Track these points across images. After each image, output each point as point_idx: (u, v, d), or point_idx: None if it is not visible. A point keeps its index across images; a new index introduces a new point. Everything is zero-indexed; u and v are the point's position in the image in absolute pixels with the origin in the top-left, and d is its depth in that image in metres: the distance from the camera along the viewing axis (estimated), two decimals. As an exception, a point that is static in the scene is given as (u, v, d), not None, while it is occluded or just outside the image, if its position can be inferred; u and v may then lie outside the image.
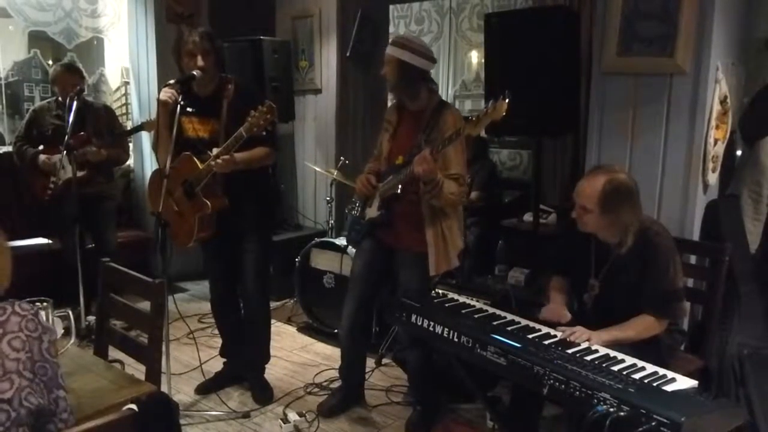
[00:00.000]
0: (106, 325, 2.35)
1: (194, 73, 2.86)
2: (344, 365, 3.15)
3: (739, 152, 3.42)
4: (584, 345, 2.13)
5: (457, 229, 2.84)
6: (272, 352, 3.40)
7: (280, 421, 2.97)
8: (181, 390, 3.27)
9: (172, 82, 2.88)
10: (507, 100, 2.29)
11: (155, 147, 3.04)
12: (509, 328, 2.24)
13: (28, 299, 1.53)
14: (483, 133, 3.79)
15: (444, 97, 6.17)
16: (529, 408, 2.49)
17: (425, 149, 2.54)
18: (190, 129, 2.97)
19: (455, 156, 2.68)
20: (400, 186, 2.72)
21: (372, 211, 2.88)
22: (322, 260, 3.99)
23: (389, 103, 3.22)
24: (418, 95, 2.77)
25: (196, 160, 2.86)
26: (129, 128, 4.71)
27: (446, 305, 2.47)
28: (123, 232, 4.57)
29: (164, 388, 2.48)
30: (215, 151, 2.81)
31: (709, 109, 2.96)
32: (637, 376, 1.87)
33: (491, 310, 2.44)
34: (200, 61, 2.84)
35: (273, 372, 3.46)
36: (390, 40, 2.81)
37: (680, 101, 2.98)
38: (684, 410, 1.61)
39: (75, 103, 3.68)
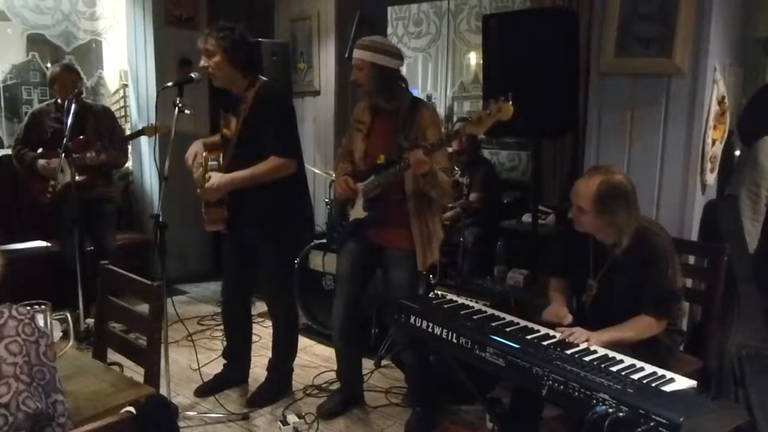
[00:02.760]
0: (104, 327, 2.36)
1: (192, 75, 2.88)
2: (340, 366, 3.15)
3: (737, 152, 3.42)
4: (583, 346, 2.12)
5: (438, 222, 2.90)
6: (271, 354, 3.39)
7: (279, 423, 2.96)
8: (180, 392, 3.26)
9: (170, 84, 2.89)
10: (510, 102, 2.30)
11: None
12: (508, 329, 2.24)
13: (26, 302, 1.53)
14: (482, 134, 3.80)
15: (442, 99, 6.24)
16: (529, 409, 2.49)
17: (417, 151, 2.54)
18: (223, 125, 3.00)
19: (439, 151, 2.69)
20: (386, 185, 2.74)
21: (357, 212, 2.88)
22: (321, 262, 3.99)
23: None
24: (395, 96, 2.78)
25: (206, 166, 2.91)
26: (128, 131, 4.72)
27: (445, 306, 2.46)
28: (122, 235, 4.56)
29: (163, 391, 2.48)
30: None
31: (707, 110, 2.96)
32: (636, 376, 1.87)
33: (490, 311, 2.43)
34: (202, 62, 2.85)
35: (272, 374, 3.45)
36: (355, 45, 2.79)
37: (678, 102, 2.99)
38: (683, 411, 1.61)
39: (73, 105, 3.68)
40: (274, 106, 2.92)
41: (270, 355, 3.31)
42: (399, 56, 2.77)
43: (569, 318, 2.38)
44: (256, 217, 2.95)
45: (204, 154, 2.93)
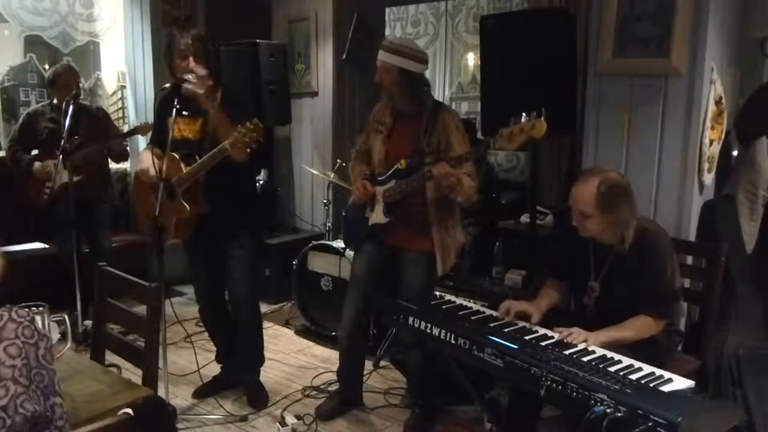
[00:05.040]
0: (102, 329, 2.35)
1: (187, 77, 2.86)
2: (343, 367, 3.14)
3: (734, 153, 3.43)
4: (581, 346, 2.13)
5: (459, 226, 2.90)
6: (270, 355, 3.39)
7: (278, 424, 2.96)
8: (179, 394, 3.26)
9: (167, 85, 2.88)
10: (543, 118, 2.27)
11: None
12: (506, 330, 2.25)
13: (23, 304, 1.53)
14: (480, 135, 3.81)
15: (440, 99, 6.22)
16: (527, 409, 2.49)
17: (442, 164, 2.53)
18: (175, 130, 2.93)
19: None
20: (408, 192, 2.71)
21: (377, 216, 2.85)
22: (319, 263, 3.99)
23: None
24: (420, 100, 2.76)
25: (181, 163, 2.85)
26: (124, 131, 4.70)
27: (443, 307, 2.47)
28: (119, 236, 4.55)
29: (161, 393, 2.48)
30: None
31: (705, 110, 2.96)
32: (634, 376, 1.87)
33: (488, 311, 2.44)
34: (192, 64, 2.84)
35: (270, 375, 3.46)
36: (382, 46, 2.74)
37: (676, 102, 2.99)
38: (681, 410, 1.61)
39: (71, 107, 3.67)
40: (244, 106, 2.98)
41: (259, 360, 3.29)
42: (425, 60, 2.75)
43: (534, 318, 2.34)
44: (236, 207, 2.96)
45: (173, 154, 2.90)
